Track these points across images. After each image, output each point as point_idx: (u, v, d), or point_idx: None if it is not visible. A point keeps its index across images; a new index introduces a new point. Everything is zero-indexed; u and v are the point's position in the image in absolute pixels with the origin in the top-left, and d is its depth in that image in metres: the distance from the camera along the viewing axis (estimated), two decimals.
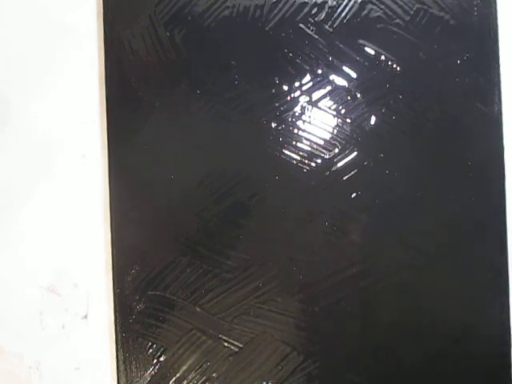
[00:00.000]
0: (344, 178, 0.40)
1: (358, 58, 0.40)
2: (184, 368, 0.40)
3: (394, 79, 0.40)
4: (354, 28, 0.40)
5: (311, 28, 0.40)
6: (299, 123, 0.40)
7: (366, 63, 0.40)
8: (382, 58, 0.40)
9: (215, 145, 0.40)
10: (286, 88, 0.40)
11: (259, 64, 0.40)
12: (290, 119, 0.40)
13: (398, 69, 0.40)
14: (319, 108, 0.40)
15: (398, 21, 0.40)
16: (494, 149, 0.39)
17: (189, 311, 0.40)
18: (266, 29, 0.40)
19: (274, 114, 0.40)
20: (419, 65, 0.40)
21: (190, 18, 0.40)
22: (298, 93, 0.40)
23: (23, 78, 0.46)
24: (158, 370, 0.40)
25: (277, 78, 0.40)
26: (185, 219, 0.40)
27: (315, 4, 0.40)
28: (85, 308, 0.45)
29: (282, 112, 0.40)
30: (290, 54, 0.40)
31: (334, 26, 0.40)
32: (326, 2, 0.40)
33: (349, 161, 0.40)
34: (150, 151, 0.40)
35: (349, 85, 0.40)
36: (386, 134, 0.40)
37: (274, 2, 0.40)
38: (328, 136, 0.40)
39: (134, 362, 0.40)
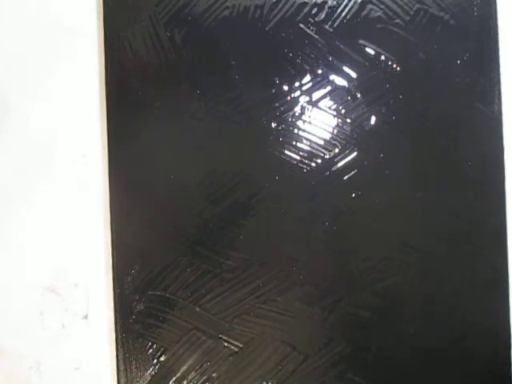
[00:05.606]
0: (344, 178, 0.40)
1: (358, 58, 0.40)
2: (184, 368, 0.40)
3: (393, 79, 0.40)
4: (354, 28, 0.40)
5: (311, 28, 0.40)
6: (299, 123, 0.40)
7: (366, 63, 0.40)
8: (382, 57, 0.40)
9: (215, 145, 0.40)
10: (286, 88, 0.40)
11: (259, 64, 0.40)
12: (290, 119, 0.40)
13: (398, 69, 0.40)
14: (319, 108, 0.40)
15: (398, 21, 0.40)
16: (494, 149, 0.39)
17: (189, 311, 0.40)
18: (266, 29, 0.40)
19: (274, 114, 0.40)
20: (419, 65, 0.40)
21: (190, 18, 0.40)
22: (298, 93, 0.40)
23: (23, 78, 0.46)
24: (158, 370, 0.40)
25: (277, 78, 0.40)
26: (185, 219, 0.40)
27: (315, 4, 0.40)
28: (85, 308, 0.45)
29: (282, 112, 0.40)
30: (290, 54, 0.40)
31: (334, 25, 0.40)
32: (326, 2, 0.40)
33: (349, 161, 0.40)
34: (150, 151, 0.40)
35: (349, 85, 0.40)
36: (385, 133, 0.40)
37: (274, 2, 0.40)
38: (328, 136, 0.40)
39: (133, 362, 0.40)
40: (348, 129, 0.40)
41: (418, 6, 0.39)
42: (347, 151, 0.40)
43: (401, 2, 0.40)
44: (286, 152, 0.40)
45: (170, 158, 0.40)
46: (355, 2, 0.40)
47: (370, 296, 0.39)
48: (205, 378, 0.40)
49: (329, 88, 0.40)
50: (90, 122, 0.45)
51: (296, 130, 0.40)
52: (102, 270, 0.44)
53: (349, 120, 0.40)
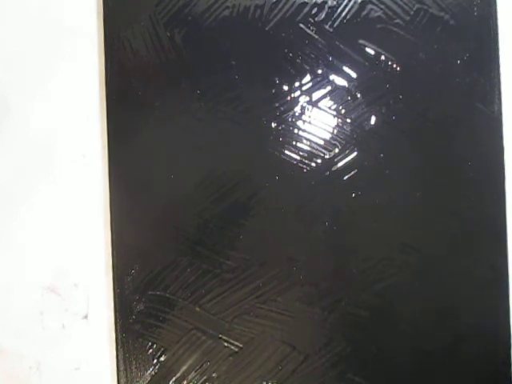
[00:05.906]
0: (344, 178, 0.40)
1: (358, 58, 0.40)
2: (184, 368, 0.40)
3: (393, 79, 0.40)
4: (354, 28, 0.40)
5: (311, 28, 0.40)
6: (299, 123, 0.40)
7: (366, 63, 0.40)
8: (382, 57, 0.40)
9: (215, 145, 0.40)
10: (286, 88, 0.40)
11: (259, 64, 0.40)
12: (290, 119, 0.40)
13: (398, 69, 0.40)
14: (319, 108, 0.40)
15: (398, 21, 0.40)
16: (494, 149, 0.39)
17: (189, 311, 0.40)
18: (266, 29, 0.40)
19: (274, 113, 0.40)
20: (419, 65, 0.40)
21: (190, 18, 0.40)
22: (298, 93, 0.40)
23: (23, 78, 0.46)
24: (158, 370, 0.40)
25: (277, 78, 0.40)
26: (185, 219, 0.40)
27: (315, 4, 0.40)
28: (85, 308, 0.45)
29: (282, 112, 0.40)
30: (290, 54, 0.40)
31: (334, 25, 0.40)
32: (326, 2, 0.40)
33: (349, 161, 0.40)
34: (150, 151, 0.40)
35: (349, 85, 0.40)
36: (385, 133, 0.40)
37: (274, 2, 0.40)
38: (328, 136, 0.40)
39: (133, 362, 0.40)
40: (348, 129, 0.40)
41: (418, 5, 0.39)
42: (347, 151, 0.40)
43: (401, 2, 0.40)
44: (286, 152, 0.40)
45: (170, 158, 0.40)
46: (355, 2, 0.40)
47: (370, 296, 0.39)
48: (205, 377, 0.40)
49: (329, 88, 0.40)
50: (89, 121, 0.45)
51: (296, 130, 0.40)
52: (102, 270, 0.44)
53: (349, 120, 0.40)
